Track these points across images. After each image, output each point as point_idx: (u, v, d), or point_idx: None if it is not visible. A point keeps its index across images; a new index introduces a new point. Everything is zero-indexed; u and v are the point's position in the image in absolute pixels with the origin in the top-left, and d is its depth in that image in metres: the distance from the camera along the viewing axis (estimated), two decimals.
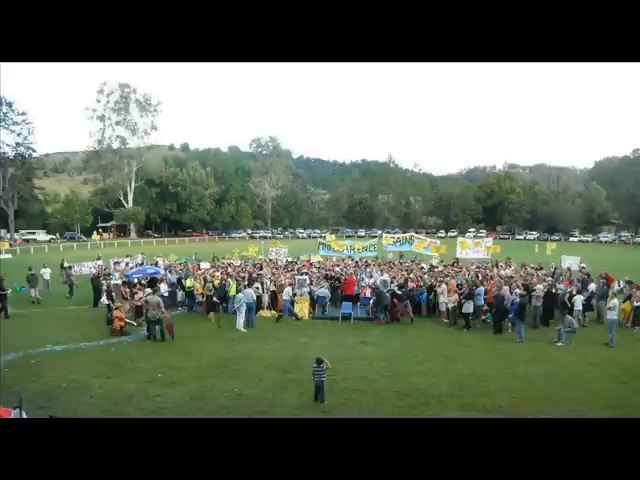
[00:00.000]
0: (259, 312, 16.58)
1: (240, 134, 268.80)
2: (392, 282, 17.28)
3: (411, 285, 17.15)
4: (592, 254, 34.44)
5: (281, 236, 74.36)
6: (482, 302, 15.42)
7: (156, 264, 22.62)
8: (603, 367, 10.97)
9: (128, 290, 16.99)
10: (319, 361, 8.74)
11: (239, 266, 21.89)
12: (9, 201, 62.33)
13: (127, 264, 23.49)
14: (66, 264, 23.41)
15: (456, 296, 15.54)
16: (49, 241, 61.41)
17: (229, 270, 19.85)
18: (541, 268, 20.45)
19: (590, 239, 68.66)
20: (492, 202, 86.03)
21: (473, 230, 76.57)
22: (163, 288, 16.75)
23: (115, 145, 76.35)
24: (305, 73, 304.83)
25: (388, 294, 16.10)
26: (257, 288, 16.94)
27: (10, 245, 52.44)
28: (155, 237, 72.56)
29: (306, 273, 19.62)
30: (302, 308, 16.76)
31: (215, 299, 16.51)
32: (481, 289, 15.60)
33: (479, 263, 21.64)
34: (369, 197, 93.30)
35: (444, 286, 16.19)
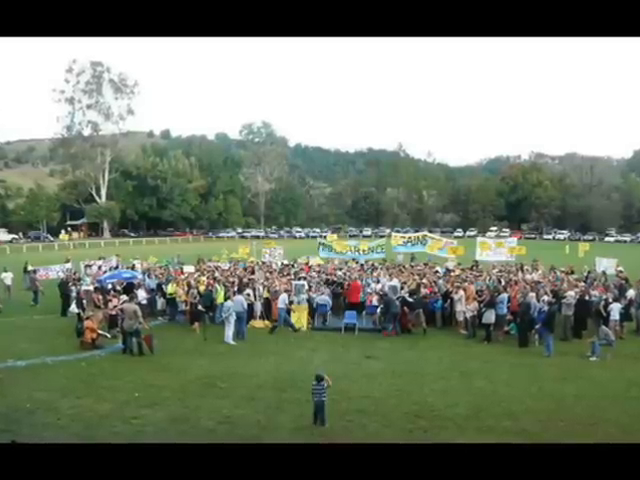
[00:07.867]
0: (251, 322, 16.59)
1: (229, 119, 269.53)
2: (402, 288, 17.27)
3: (424, 291, 17.15)
4: (631, 256, 34.43)
5: (276, 235, 74.52)
6: (505, 311, 15.41)
7: (133, 267, 22.60)
8: None
9: (101, 297, 16.99)
10: (319, 378, 8.75)
11: (228, 270, 21.89)
12: None
13: (100, 267, 23.46)
14: (30, 267, 23.40)
15: (475, 304, 15.54)
16: (11, 241, 61.43)
17: (216, 274, 19.83)
18: (572, 272, 20.45)
19: (628, 239, 68.90)
20: (516, 197, 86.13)
21: (495, 229, 76.69)
22: (141, 295, 16.75)
23: (86, 132, 76.58)
24: (302, 50, 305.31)
25: (398, 302, 16.10)
26: (248, 295, 16.93)
27: None
28: (132, 237, 72.62)
29: (304, 278, 19.63)
30: (300, 317, 16.76)
31: (200, 307, 16.50)
32: (504, 296, 15.59)
33: (502, 266, 21.65)
34: (376, 191, 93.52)
35: (461, 293, 16.18)
